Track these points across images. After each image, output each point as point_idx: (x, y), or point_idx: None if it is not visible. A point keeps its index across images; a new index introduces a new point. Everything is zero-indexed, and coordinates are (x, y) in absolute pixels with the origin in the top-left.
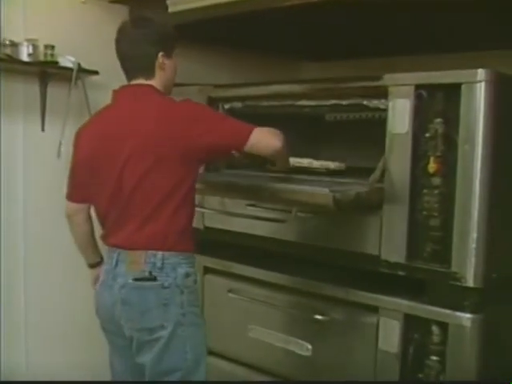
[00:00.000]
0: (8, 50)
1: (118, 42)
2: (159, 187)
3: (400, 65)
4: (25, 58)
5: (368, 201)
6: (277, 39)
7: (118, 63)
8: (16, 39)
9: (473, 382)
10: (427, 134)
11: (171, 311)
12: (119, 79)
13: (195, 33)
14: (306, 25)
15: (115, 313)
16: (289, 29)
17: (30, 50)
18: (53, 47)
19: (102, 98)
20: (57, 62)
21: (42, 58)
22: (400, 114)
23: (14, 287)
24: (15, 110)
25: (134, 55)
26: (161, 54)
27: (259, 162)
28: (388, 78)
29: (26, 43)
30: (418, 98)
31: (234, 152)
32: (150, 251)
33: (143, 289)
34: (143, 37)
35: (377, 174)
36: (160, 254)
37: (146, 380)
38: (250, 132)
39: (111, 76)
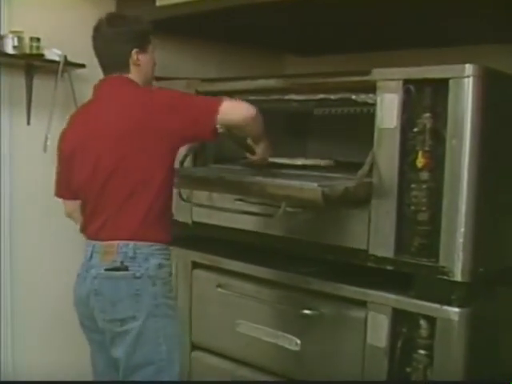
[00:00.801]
0: None
1: (93, 39)
2: (133, 177)
3: (387, 60)
4: (10, 50)
5: (356, 195)
6: (264, 33)
7: None
8: (0, 31)
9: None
10: (415, 129)
11: (144, 302)
12: None
13: (182, 26)
14: (294, 19)
15: (90, 305)
16: (276, 23)
17: (15, 43)
18: (38, 39)
19: (89, 91)
20: (42, 55)
21: (27, 50)
22: (388, 109)
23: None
24: (0, 103)
25: (109, 53)
26: (134, 51)
27: (243, 145)
28: (376, 73)
29: (10, 35)
30: (407, 92)
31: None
32: (122, 241)
33: (115, 278)
34: (117, 36)
35: (365, 168)
36: (132, 243)
37: (120, 374)
38: (220, 103)
39: (98, 69)
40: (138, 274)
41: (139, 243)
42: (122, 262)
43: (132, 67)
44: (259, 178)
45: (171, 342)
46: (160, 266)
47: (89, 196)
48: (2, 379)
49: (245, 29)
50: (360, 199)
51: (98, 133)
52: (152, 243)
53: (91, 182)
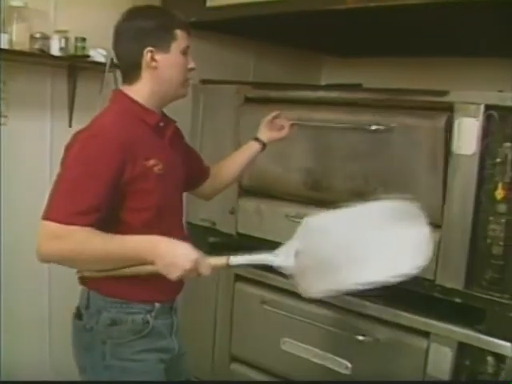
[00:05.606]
0: (39, 44)
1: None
2: None
3: (426, 66)
4: (56, 52)
5: None
6: (304, 35)
7: None
8: (45, 31)
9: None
10: (497, 159)
11: (94, 359)
12: None
13: (227, 27)
14: (335, 23)
15: None
16: (319, 26)
17: (62, 44)
18: (84, 39)
19: None
20: (88, 56)
21: (72, 51)
22: (466, 134)
23: None
24: (42, 105)
25: (118, 54)
26: (148, 49)
27: None
28: (455, 95)
29: (57, 36)
30: (488, 119)
31: None
32: (82, 286)
33: (73, 325)
34: (125, 31)
35: None
36: (87, 290)
37: None
38: (45, 217)
39: None
40: (88, 327)
41: (92, 292)
42: (78, 309)
43: (145, 72)
44: None
45: None
46: (113, 322)
47: None
48: (2, 379)
49: (287, 31)
50: None
51: None
52: (105, 296)
53: None
